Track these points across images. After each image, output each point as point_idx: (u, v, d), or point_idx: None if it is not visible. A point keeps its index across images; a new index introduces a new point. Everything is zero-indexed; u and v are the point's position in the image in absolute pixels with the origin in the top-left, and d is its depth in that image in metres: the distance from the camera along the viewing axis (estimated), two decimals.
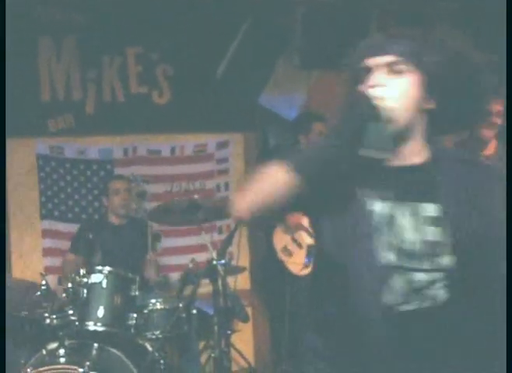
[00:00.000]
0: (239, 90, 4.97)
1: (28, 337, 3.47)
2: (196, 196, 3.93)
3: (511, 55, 1.55)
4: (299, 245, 4.45)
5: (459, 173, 1.61)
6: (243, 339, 4.84)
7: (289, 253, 4.48)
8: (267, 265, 4.87)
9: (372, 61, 1.63)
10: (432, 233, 1.57)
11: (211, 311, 3.78)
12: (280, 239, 4.54)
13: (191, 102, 4.93)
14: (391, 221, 1.56)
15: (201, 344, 4.44)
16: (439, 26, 5.49)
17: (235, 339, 4.30)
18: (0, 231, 3.11)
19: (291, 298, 4.49)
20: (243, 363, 4.79)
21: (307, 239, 4.41)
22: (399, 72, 1.60)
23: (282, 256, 4.51)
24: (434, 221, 1.57)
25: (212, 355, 3.91)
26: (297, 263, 4.44)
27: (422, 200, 1.58)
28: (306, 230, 4.42)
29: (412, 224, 1.57)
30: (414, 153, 1.61)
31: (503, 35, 3.14)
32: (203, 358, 4.45)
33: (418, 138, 1.61)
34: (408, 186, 1.59)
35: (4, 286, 3.16)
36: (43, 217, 4.73)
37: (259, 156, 5.22)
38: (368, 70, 1.63)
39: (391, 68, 1.61)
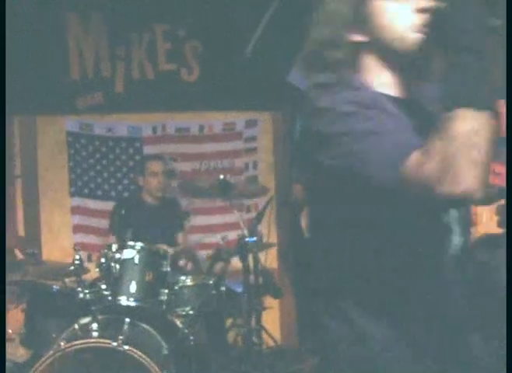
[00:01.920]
0: (268, 68, 4.93)
1: (59, 311, 3.49)
2: (222, 176, 3.87)
3: (511, 54, 1.46)
4: None
5: None
6: (270, 318, 4.85)
7: None
8: (294, 243, 4.86)
9: None
10: None
11: (240, 289, 3.78)
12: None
13: (219, 80, 4.90)
14: None
15: (229, 322, 4.45)
16: None
17: (263, 317, 4.31)
18: (0, 228, 3.11)
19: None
20: (269, 341, 4.80)
21: None
22: None
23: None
24: None
25: (241, 332, 3.93)
26: None
27: None
28: None
29: None
30: None
31: None
32: (231, 336, 4.46)
33: None
34: None
35: (4, 286, 3.18)
36: (72, 194, 4.76)
37: (287, 135, 5.20)
38: None
39: None
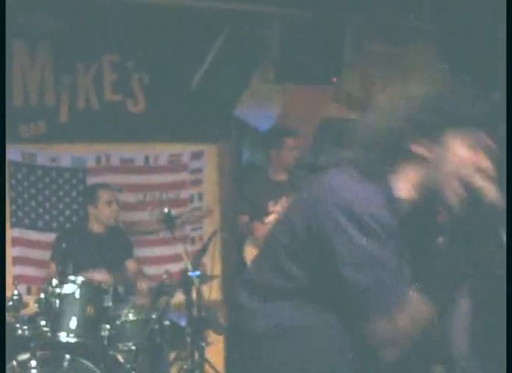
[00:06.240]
0: (214, 101, 4.97)
1: None
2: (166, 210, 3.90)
3: (511, 54, 1.56)
4: None
5: None
6: (215, 351, 4.81)
7: None
8: (238, 277, 4.87)
9: None
10: None
11: (184, 323, 3.76)
12: (250, 251, 4.54)
13: (165, 112, 4.91)
14: None
15: (173, 355, 4.40)
16: (412, 44, 5.59)
17: (207, 350, 4.27)
18: (1, 225, 3.03)
19: None
20: None
21: None
22: None
23: None
24: None
25: (184, 367, 3.90)
26: None
27: None
28: None
29: None
30: None
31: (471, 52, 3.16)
32: (174, 370, 4.41)
33: None
34: None
35: (4, 285, 3.09)
36: (13, 225, 4.64)
37: (233, 167, 5.24)
38: None
39: None
